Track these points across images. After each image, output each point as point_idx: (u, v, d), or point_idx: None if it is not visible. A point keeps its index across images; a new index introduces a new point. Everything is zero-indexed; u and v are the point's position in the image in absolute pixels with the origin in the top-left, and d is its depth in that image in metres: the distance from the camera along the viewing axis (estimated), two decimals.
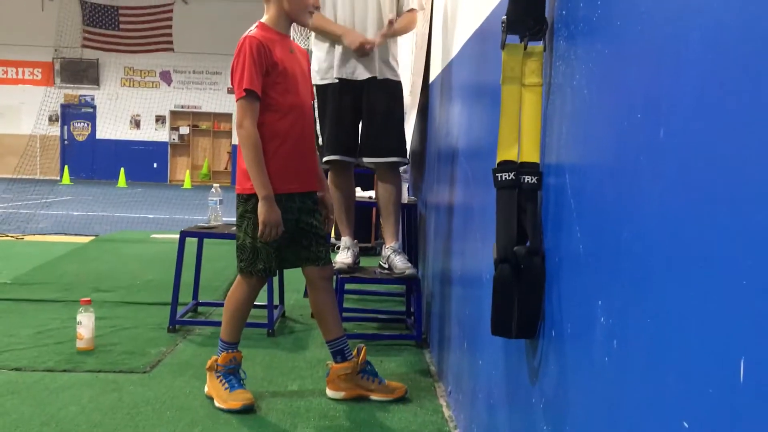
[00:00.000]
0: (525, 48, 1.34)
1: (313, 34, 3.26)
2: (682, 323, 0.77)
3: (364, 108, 3.24)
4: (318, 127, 3.26)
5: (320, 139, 3.27)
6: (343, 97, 3.22)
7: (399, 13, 3.29)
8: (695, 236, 0.75)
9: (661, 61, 0.86)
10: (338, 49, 3.19)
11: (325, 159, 3.27)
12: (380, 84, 3.21)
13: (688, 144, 0.77)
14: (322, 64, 3.24)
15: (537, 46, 1.34)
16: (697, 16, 0.77)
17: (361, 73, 3.19)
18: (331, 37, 3.17)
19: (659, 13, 0.87)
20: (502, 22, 1.33)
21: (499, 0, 1.74)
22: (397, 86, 3.28)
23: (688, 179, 0.77)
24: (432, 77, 3.68)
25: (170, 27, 19.13)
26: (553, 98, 1.30)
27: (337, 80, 3.20)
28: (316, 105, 3.27)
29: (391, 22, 3.16)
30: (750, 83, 0.65)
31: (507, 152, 1.34)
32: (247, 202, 2.47)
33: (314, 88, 3.22)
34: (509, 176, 1.33)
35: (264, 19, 2.51)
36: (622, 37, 1.00)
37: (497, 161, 1.35)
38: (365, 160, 3.31)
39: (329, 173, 3.37)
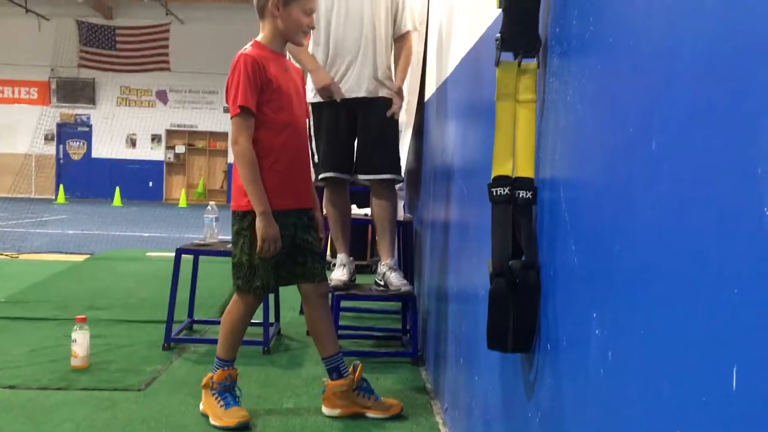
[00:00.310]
0: (519, 65, 1.36)
1: (309, 51, 3.28)
2: (675, 333, 0.77)
3: (359, 125, 3.26)
4: (313, 145, 3.28)
5: (315, 157, 3.29)
6: (338, 115, 3.24)
7: (395, 35, 3.32)
8: (687, 247, 0.76)
9: (651, 75, 0.88)
10: (332, 68, 3.21)
11: (320, 176, 3.28)
12: (375, 102, 3.23)
13: (680, 156, 0.79)
14: None
15: (531, 63, 1.36)
16: (687, 33, 0.78)
17: (356, 92, 3.21)
18: (307, 69, 3.19)
19: (650, 29, 0.89)
20: (496, 40, 1.35)
21: (493, 19, 1.77)
22: (391, 103, 3.30)
23: (679, 191, 0.79)
24: (427, 96, 3.71)
25: (167, 47, 19.25)
26: (547, 114, 1.32)
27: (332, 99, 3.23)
28: (311, 123, 3.29)
29: (400, 92, 3.27)
30: (739, 96, 0.67)
31: (502, 167, 1.36)
32: (243, 220, 2.48)
33: (309, 105, 3.25)
34: (504, 191, 1.34)
35: (259, 37, 2.54)
36: (613, 54, 1.02)
37: (492, 176, 1.36)
38: (360, 177, 3.32)
39: (325, 190, 3.39)
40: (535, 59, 1.35)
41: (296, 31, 2.52)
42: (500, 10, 1.35)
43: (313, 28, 2.61)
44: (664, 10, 0.85)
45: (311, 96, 3.24)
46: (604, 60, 1.06)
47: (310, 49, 3.23)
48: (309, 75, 3.27)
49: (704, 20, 0.74)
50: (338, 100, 3.17)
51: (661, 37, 0.86)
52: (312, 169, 3.03)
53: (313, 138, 3.28)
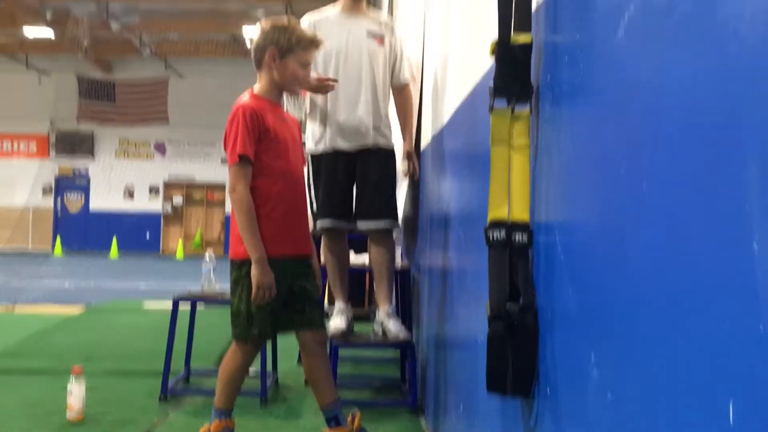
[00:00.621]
0: (512, 111, 1.39)
1: (307, 103, 3.34)
2: (672, 371, 0.78)
3: (358, 174, 3.29)
4: (312, 194, 3.31)
5: (314, 206, 3.31)
6: (337, 165, 3.27)
7: (393, 86, 3.38)
8: (680, 286, 0.77)
9: (639, 120, 0.90)
10: (332, 119, 3.24)
11: (319, 225, 3.30)
12: (373, 152, 3.27)
13: (669, 197, 0.81)
14: (316, 133, 3.30)
15: (524, 110, 1.39)
16: (673, 79, 0.81)
17: (355, 144, 3.24)
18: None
19: (637, 75, 0.92)
20: (490, 87, 1.38)
21: (486, 69, 1.81)
22: (389, 153, 3.34)
23: (671, 231, 0.80)
24: (423, 144, 3.76)
25: (166, 100, 19.48)
26: (541, 158, 1.35)
27: (331, 150, 3.26)
28: (310, 172, 3.32)
29: (411, 159, 3.35)
30: (724, 138, 0.69)
31: (498, 211, 1.38)
32: (240, 268, 2.48)
33: (308, 155, 3.29)
34: (500, 234, 1.35)
35: (256, 88, 2.59)
36: (603, 99, 1.05)
37: (488, 220, 1.38)
38: (360, 224, 3.34)
39: (323, 238, 3.40)
40: (528, 106, 1.38)
41: (292, 83, 2.58)
42: (493, 58, 1.39)
43: (308, 80, 2.67)
44: (651, 57, 0.88)
45: (311, 146, 3.29)
46: (594, 106, 1.09)
47: (308, 96, 3.29)
48: (307, 117, 3.32)
49: (690, 67, 0.77)
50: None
51: (648, 83, 0.89)
52: (310, 217, 3.05)
53: (311, 187, 3.31)
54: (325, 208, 3.29)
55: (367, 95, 3.24)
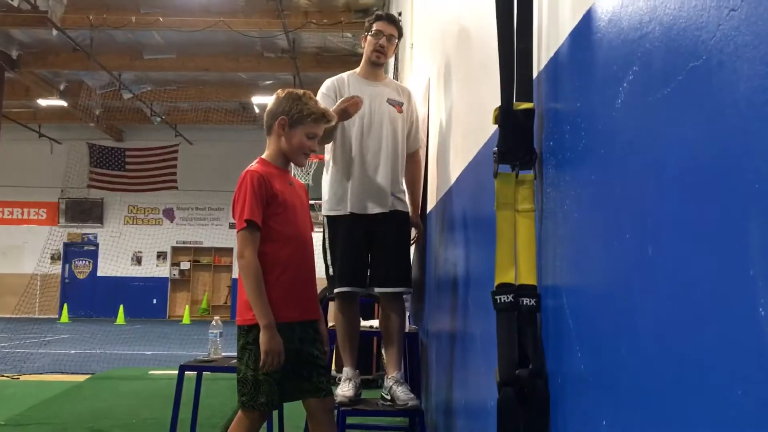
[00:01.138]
0: (516, 176, 1.41)
1: (314, 167, 3.38)
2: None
3: (375, 238, 3.26)
4: (329, 258, 3.28)
5: (330, 270, 3.28)
6: (355, 228, 3.23)
7: (408, 151, 3.42)
8: (689, 348, 0.77)
9: (642, 183, 0.92)
10: (351, 182, 3.24)
11: (336, 290, 3.23)
12: (390, 216, 3.25)
13: (675, 258, 0.81)
14: (334, 196, 3.27)
15: (528, 175, 1.41)
16: (673, 144, 0.83)
17: (374, 208, 3.23)
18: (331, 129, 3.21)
19: (639, 140, 0.94)
20: (494, 153, 1.41)
21: (490, 134, 1.85)
22: (405, 217, 3.34)
23: (677, 293, 0.80)
24: (429, 208, 3.78)
25: (175, 167, 19.76)
26: (546, 222, 1.36)
27: (348, 213, 3.23)
28: (326, 236, 3.30)
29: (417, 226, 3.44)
30: (724, 200, 0.70)
31: (504, 275, 1.38)
32: (248, 334, 2.47)
33: (325, 218, 3.29)
34: (508, 298, 1.35)
35: (264, 154, 2.64)
36: (605, 164, 1.07)
37: (495, 284, 1.38)
38: (376, 290, 3.31)
39: (336, 302, 3.33)
40: (532, 170, 1.40)
41: (298, 153, 2.62)
42: (496, 125, 1.42)
43: (314, 151, 2.71)
44: (651, 123, 0.90)
45: (327, 209, 3.29)
46: (597, 170, 1.10)
47: (329, 154, 3.31)
48: (324, 182, 3.35)
49: (688, 131, 0.79)
50: (360, 104, 3.13)
51: (648, 149, 0.90)
52: (323, 280, 3.03)
53: (328, 250, 3.28)
54: (343, 274, 3.22)
55: (387, 161, 3.25)
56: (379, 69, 3.42)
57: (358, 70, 3.43)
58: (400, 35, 3.46)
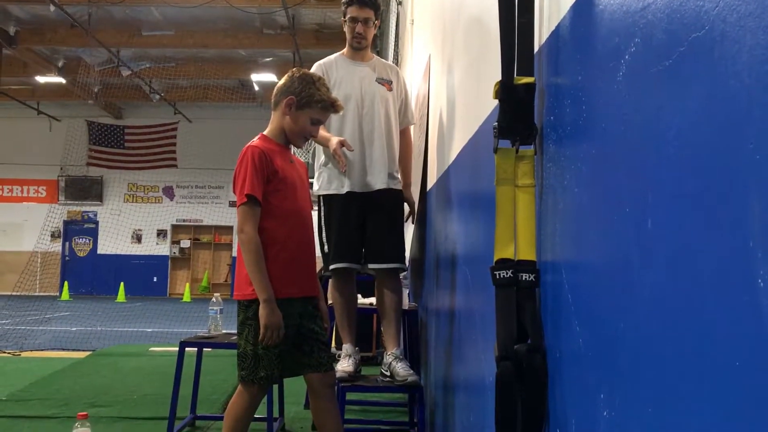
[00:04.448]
0: (516, 152, 1.40)
1: (314, 146, 3.38)
2: (682, 409, 0.77)
3: (369, 216, 3.30)
4: (323, 236, 3.30)
5: (326, 247, 3.30)
6: (350, 206, 3.27)
7: (399, 128, 3.43)
8: (688, 321, 0.77)
9: (642, 157, 0.91)
10: (349, 162, 3.25)
11: (332, 267, 3.27)
12: (384, 193, 3.29)
13: (675, 232, 0.81)
14: (329, 175, 3.31)
15: (528, 150, 1.40)
16: (672, 117, 0.82)
17: (372, 185, 3.27)
18: (322, 144, 3.24)
19: (638, 114, 0.93)
20: (494, 128, 1.40)
21: (490, 110, 1.84)
22: (399, 195, 3.37)
23: (676, 267, 0.80)
24: (429, 185, 3.78)
25: (174, 144, 19.71)
26: (546, 197, 1.35)
27: (344, 191, 3.27)
28: (322, 214, 3.32)
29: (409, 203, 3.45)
30: (725, 171, 0.70)
31: (504, 251, 1.38)
32: (248, 309, 2.48)
33: (320, 197, 3.30)
34: (507, 274, 1.35)
35: (266, 131, 2.63)
36: (606, 138, 1.06)
37: (494, 260, 1.38)
38: (370, 266, 3.33)
39: (332, 280, 3.38)
40: (532, 146, 1.39)
41: (299, 135, 2.61)
42: (497, 100, 1.41)
43: (315, 136, 2.70)
44: (653, 95, 0.89)
45: (324, 188, 3.30)
46: (598, 144, 1.10)
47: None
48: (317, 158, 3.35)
49: (689, 104, 0.79)
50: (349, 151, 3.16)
51: (650, 121, 0.90)
52: (316, 259, 3.04)
53: (323, 229, 3.31)
54: (338, 251, 3.26)
55: (381, 140, 3.29)
56: (364, 50, 3.41)
57: (345, 51, 3.42)
58: (378, 12, 3.43)
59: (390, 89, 3.37)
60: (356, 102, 3.29)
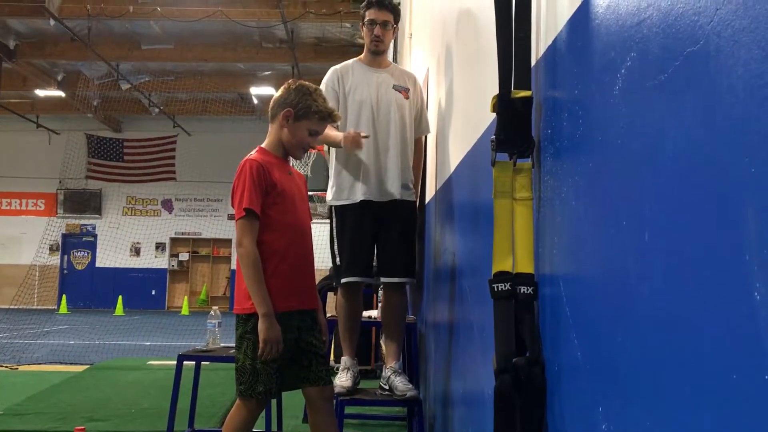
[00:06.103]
0: (514, 164, 1.40)
1: (332, 154, 3.33)
2: (680, 422, 0.77)
3: (382, 228, 3.23)
4: (336, 248, 3.24)
5: (338, 259, 3.24)
6: (364, 217, 3.19)
7: (415, 136, 3.36)
8: (685, 337, 0.77)
9: (639, 170, 0.92)
10: (362, 170, 3.19)
11: (343, 280, 3.20)
12: (398, 205, 3.22)
13: (672, 245, 0.81)
14: (342, 185, 3.24)
15: (525, 163, 1.41)
16: (669, 129, 0.83)
17: (385, 195, 3.19)
18: (333, 144, 3.17)
19: (635, 127, 0.94)
20: (492, 141, 1.40)
21: (488, 123, 1.84)
22: (412, 207, 3.31)
23: (673, 280, 0.80)
24: (427, 198, 3.78)
25: (173, 158, 19.73)
26: (544, 210, 1.36)
27: (358, 201, 3.19)
28: (333, 225, 3.27)
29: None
30: (720, 185, 0.70)
31: (502, 263, 1.38)
32: (246, 323, 2.47)
33: (332, 208, 3.27)
34: (505, 287, 1.35)
35: (264, 143, 2.63)
36: (603, 151, 1.07)
37: (493, 272, 1.38)
38: (382, 279, 3.28)
39: (339, 291, 3.29)
40: (530, 159, 1.40)
41: (297, 147, 2.61)
42: (494, 114, 1.42)
43: (313, 147, 2.68)
44: (649, 109, 0.90)
45: (335, 198, 3.24)
46: (595, 157, 1.10)
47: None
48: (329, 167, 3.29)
49: (685, 118, 0.79)
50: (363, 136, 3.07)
51: (646, 134, 0.90)
52: (314, 269, 3.02)
53: (335, 240, 3.25)
54: (351, 264, 3.19)
55: (396, 148, 3.22)
56: (381, 56, 3.39)
57: (362, 56, 3.40)
58: (397, 17, 3.41)
59: (407, 97, 3.30)
60: (371, 108, 3.23)
